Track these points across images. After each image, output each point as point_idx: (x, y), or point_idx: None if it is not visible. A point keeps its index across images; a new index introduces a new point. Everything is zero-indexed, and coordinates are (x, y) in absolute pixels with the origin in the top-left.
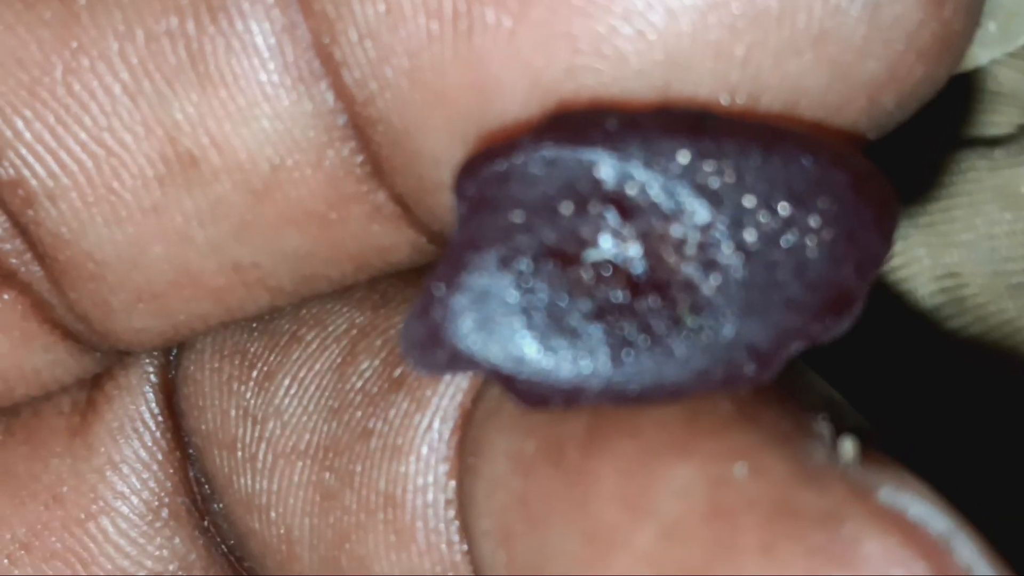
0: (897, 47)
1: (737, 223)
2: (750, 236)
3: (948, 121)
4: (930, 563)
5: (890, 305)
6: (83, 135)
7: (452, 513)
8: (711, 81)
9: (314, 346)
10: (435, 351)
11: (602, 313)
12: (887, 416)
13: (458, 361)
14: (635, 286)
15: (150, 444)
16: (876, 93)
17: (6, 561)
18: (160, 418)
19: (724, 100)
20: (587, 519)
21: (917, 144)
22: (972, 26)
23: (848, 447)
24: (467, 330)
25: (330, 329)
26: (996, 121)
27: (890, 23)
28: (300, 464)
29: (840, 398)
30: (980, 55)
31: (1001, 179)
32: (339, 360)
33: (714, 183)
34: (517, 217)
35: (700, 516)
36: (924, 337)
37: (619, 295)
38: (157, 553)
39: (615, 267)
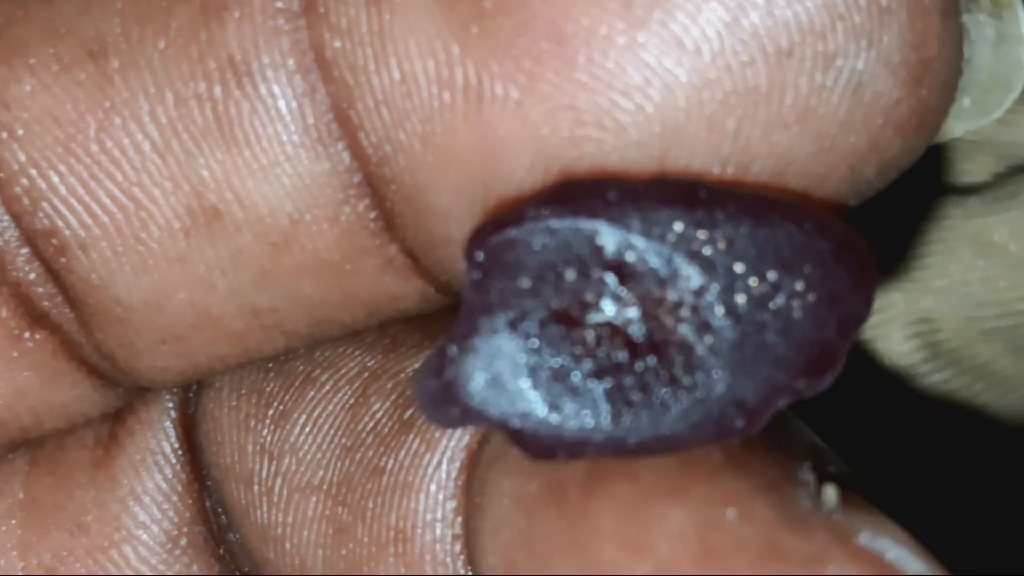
0: (877, 122)
1: (728, 288)
2: (740, 299)
3: (924, 169)
4: None
5: (865, 349)
6: (114, 189)
7: (459, 548)
8: (705, 152)
9: (328, 387)
10: (448, 408)
11: (603, 372)
12: (862, 457)
13: (469, 417)
14: (634, 346)
15: (170, 476)
16: (858, 164)
17: None
18: (180, 452)
19: (716, 170)
20: (587, 558)
21: (892, 192)
22: (947, 102)
23: (831, 494)
24: (478, 388)
25: (343, 371)
26: (971, 169)
27: (870, 100)
28: (314, 499)
29: (824, 446)
30: (956, 128)
31: (975, 227)
32: (352, 401)
33: (707, 251)
34: (524, 283)
35: (693, 557)
36: (898, 381)
37: (619, 355)
38: None
39: (615, 329)
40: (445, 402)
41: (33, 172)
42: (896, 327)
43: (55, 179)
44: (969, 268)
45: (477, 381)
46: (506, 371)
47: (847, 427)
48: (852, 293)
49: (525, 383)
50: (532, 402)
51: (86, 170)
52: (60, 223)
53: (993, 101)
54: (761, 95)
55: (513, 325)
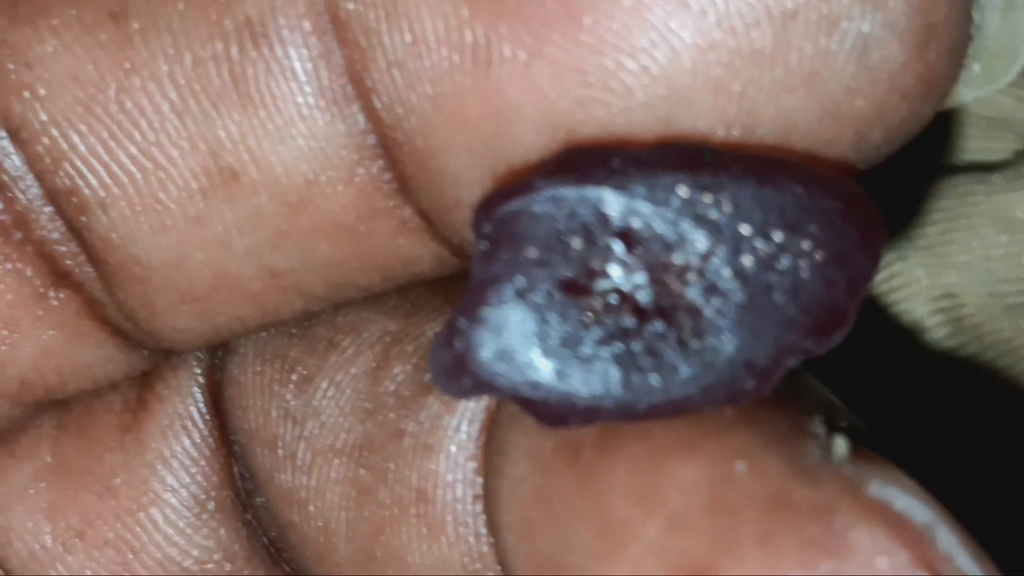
0: (883, 87)
1: (735, 250)
2: (747, 261)
3: (946, 146)
4: (913, 551)
5: (889, 324)
6: (133, 149)
7: (479, 508)
8: (710, 114)
9: (350, 352)
10: (461, 379)
11: (612, 339)
12: (885, 430)
13: (481, 387)
14: (642, 312)
15: (198, 441)
16: (864, 129)
17: (61, 548)
18: (207, 417)
19: (721, 132)
20: (601, 513)
21: (915, 169)
22: (956, 68)
23: (840, 445)
24: (488, 359)
25: (364, 336)
26: (994, 147)
27: (876, 65)
28: (337, 461)
29: (836, 400)
30: (965, 93)
31: (998, 203)
32: (373, 365)
33: (712, 214)
34: (531, 252)
35: (704, 510)
36: (922, 356)
37: (628, 321)
38: (203, 543)
39: (623, 295)
40: (457, 374)
41: (54, 131)
42: (920, 302)
43: (75, 138)
44: (992, 244)
45: (487, 352)
46: (516, 341)
47: (873, 399)
48: (859, 251)
49: (535, 352)
50: (542, 371)
51: (106, 130)
52: (80, 182)
53: (1001, 68)
54: (766, 58)
55: (521, 295)
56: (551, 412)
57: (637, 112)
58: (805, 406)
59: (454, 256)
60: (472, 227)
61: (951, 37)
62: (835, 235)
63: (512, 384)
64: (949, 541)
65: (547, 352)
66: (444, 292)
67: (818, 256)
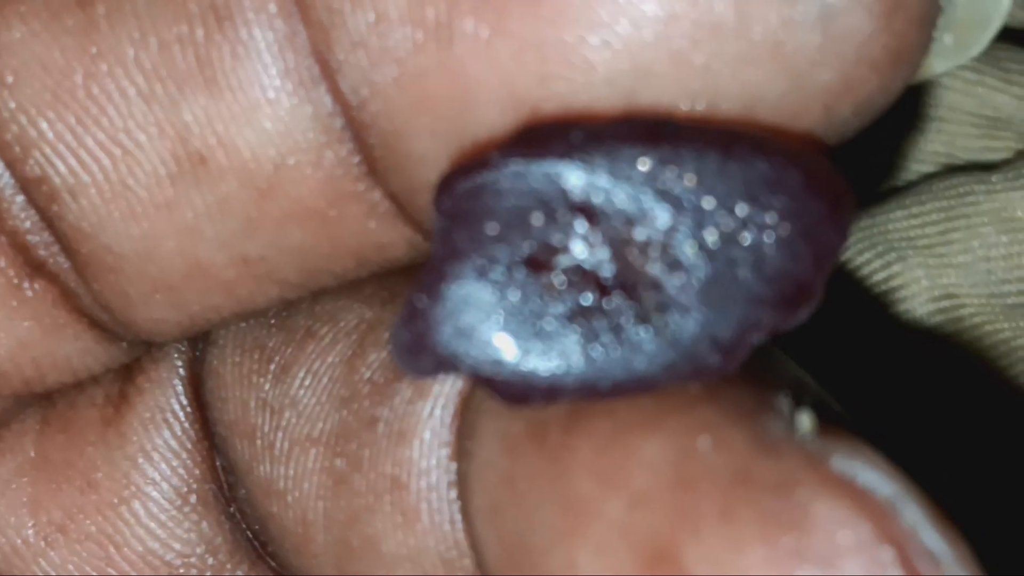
0: (850, 58)
1: (698, 224)
2: (711, 236)
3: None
4: (876, 524)
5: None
6: (101, 135)
7: (454, 494)
8: (674, 89)
9: (327, 340)
10: (421, 357)
11: (574, 315)
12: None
13: (442, 365)
14: (604, 288)
15: (179, 434)
16: (832, 102)
17: (43, 543)
18: (188, 410)
19: (686, 106)
20: (565, 493)
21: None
22: (925, 38)
23: (804, 420)
24: (448, 337)
25: (341, 324)
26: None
27: (842, 35)
28: (314, 451)
29: (806, 377)
30: (937, 65)
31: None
32: (349, 353)
33: (675, 188)
34: (491, 229)
35: (666, 486)
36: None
37: (589, 297)
38: (185, 536)
39: (585, 272)
40: (417, 352)
41: (23, 119)
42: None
43: (44, 125)
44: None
45: (446, 330)
46: (476, 319)
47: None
48: (827, 225)
49: (495, 330)
50: (503, 349)
51: (74, 116)
52: (50, 170)
53: (972, 38)
54: (729, 29)
55: (481, 272)
56: (513, 390)
57: (600, 88)
58: (771, 382)
59: (427, 240)
60: (433, 204)
61: (919, 6)
62: (801, 208)
63: (473, 362)
64: (915, 516)
65: (508, 329)
66: None
67: (783, 230)
